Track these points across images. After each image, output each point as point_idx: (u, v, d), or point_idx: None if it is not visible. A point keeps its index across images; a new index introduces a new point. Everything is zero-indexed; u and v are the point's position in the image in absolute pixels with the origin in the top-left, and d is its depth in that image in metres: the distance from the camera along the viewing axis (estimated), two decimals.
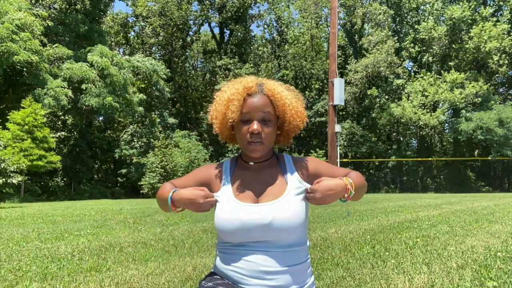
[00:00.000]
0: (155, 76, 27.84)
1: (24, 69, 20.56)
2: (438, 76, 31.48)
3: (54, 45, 23.39)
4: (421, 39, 33.17)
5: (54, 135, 22.04)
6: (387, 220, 6.66)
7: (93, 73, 22.74)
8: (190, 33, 36.52)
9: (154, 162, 21.51)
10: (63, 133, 25.94)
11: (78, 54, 24.17)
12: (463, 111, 28.98)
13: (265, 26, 39.09)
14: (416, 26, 34.04)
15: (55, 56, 23.30)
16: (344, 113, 34.67)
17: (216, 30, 37.47)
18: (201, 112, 34.53)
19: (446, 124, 34.07)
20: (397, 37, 33.53)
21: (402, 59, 33.91)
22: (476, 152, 32.70)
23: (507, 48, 29.43)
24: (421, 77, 31.96)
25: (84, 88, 22.46)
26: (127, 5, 35.23)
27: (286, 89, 1.35)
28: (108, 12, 32.77)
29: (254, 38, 37.74)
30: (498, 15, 32.94)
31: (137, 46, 35.95)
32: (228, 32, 36.54)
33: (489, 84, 30.38)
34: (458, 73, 30.16)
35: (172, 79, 33.13)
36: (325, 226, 5.86)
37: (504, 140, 27.04)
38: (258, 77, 1.37)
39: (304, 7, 35.16)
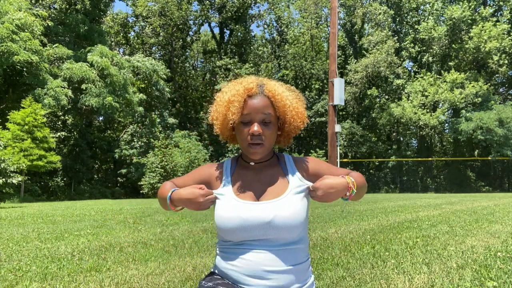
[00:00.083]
0: (155, 76, 27.85)
1: (24, 69, 20.55)
2: (438, 76, 31.48)
3: (54, 45, 23.39)
4: (421, 39, 33.16)
5: (54, 135, 22.03)
6: (387, 220, 6.67)
7: (93, 73, 22.74)
8: (190, 33, 36.53)
9: (154, 162, 21.51)
10: (63, 133, 25.94)
11: (78, 54, 24.17)
12: (463, 111, 28.98)
13: (265, 26, 39.11)
14: (416, 26, 34.04)
15: (55, 56, 23.30)
16: (344, 113, 34.67)
17: (216, 30, 37.49)
18: (201, 112, 34.53)
19: (446, 124, 34.08)
20: (397, 37, 33.53)
21: (402, 59, 33.91)
22: (476, 152, 32.70)
23: (507, 48, 29.43)
24: (421, 77, 31.96)
25: (84, 88, 22.46)
26: (127, 5, 35.25)
27: (287, 89, 1.35)
28: (108, 12, 32.77)
29: (254, 38, 37.74)
30: (498, 15, 32.95)
31: (137, 46, 35.95)
32: (228, 32, 36.54)
33: (489, 84, 30.38)
34: (458, 73, 30.16)
35: (172, 79, 33.13)
36: (325, 226, 5.86)
37: (504, 140, 27.05)
38: (258, 77, 1.37)
39: (304, 7, 35.16)
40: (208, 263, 3.35)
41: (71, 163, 25.64)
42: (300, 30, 37.31)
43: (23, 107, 19.15)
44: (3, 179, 12.55)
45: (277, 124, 1.33)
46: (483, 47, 29.26)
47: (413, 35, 33.96)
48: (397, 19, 34.90)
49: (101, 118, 31.04)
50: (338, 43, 26.10)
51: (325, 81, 33.72)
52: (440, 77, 31.08)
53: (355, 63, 33.07)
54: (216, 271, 1.33)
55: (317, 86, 35.22)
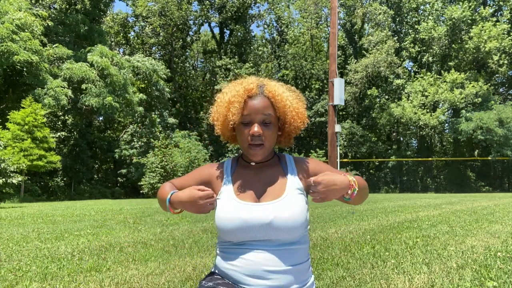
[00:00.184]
0: (155, 76, 27.85)
1: (24, 69, 20.56)
2: (438, 76, 31.49)
3: (54, 45, 23.39)
4: (421, 39, 33.17)
5: (54, 135, 22.04)
6: (387, 220, 6.67)
7: (93, 73, 22.74)
8: (190, 33, 36.53)
9: (154, 162, 21.51)
10: (63, 133, 25.95)
11: (78, 54, 24.17)
12: (463, 111, 28.99)
13: (265, 26, 39.14)
14: (416, 26, 34.04)
15: (55, 56, 23.31)
16: (344, 113, 34.68)
17: (216, 30, 37.49)
18: (201, 112, 34.53)
19: (446, 124, 34.09)
20: (397, 37, 33.54)
21: (402, 59, 33.92)
22: (476, 152, 32.71)
23: (507, 48, 29.44)
24: (421, 77, 31.97)
25: (84, 88, 22.47)
26: (127, 5, 35.25)
27: (287, 90, 1.35)
28: (108, 12, 32.76)
29: (254, 38, 37.73)
30: (498, 15, 32.96)
31: (137, 46, 35.95)
32: (228, 32, 36.54)
33: (489, 84, 30.39)
34: (458, 73, 30.16)
35: (172, 79, 33.13)
36: (325, 226, 5.86)
37: (504, 140, 27.05)
38: (259, 78, 1.37)
39: (304, 7, 35.16)
40: (208, 263, 3.35)
41: (71, 163, 25.64)
42: (300, 30, 37.31)
43: (23, 107, 19.16)
44: (3, 179, 12.56)
45: (278, 124, 1.33)
46: (483, 47, 29.26)
47: (413, 35, 33.96)
48: (397, 19, 34.91)
49: (101, 118, 31.05)
50: (338, 43, 26.09)
51: (325, 81, 33.72)
52: (440, 77, 31.09)
53: (355, 63, 33.08)
54: (216, 271, 1.33)
55: (317, 86, 35.23)
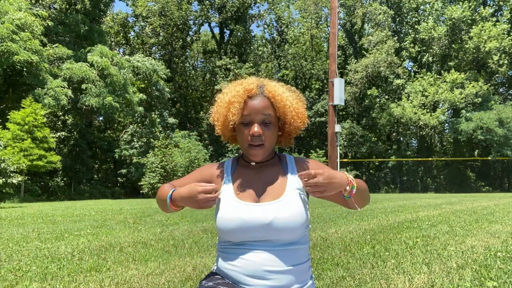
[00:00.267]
0: (155, 76, 27.85)
1: (24, 69, 20.56)
2: (438, 76, 31.49)
3: (54, 45, 23.39)
4: (421, 39, 33.17)
5: (54, 135, 22.04)
6: (387, 220, 6.67)
7: (93, 73, 22.74)
8: (190, 33, 36.53)
9: (154, 162, 21.50)
10: (63, 133, 25.95)
11: (78, 54, 24.17)
12: (463, 111, 28.99)
13: (265, 26, 39.13)
14: (416, 26, 34.05)
15: (55, 56, 23.31)
16: (344, 113, 34.68)
17: (216, 30, 37.49)
18: (201, 112, 34.53)
19: (446, 124, 34.09)
20: (397, 37, 33.54)
21: (402, 59, 33.92)
22: (476, 152, 32.71)
23: (507, 48, 29.44)
24: (421, 77, 31.97)
25: (84, 88, 22.47)
26: (127, 5, 35.25)
27: (288, 90, 1.35)
28: (108, 12, 32.77)
29: (254, 38, 37.73)
30: (498, 15, 32.96)
31: (137, 46, 35.96)
32: (228, 32, 36.54)
33: (489, 84, 30.39)
34: (458, 73, 30.17)
35: (172, 79, 33.13)
36: (325, 226, 5.86)
37: (504, 140, 27.05)
38: (259, 78, 1.37)
39: (304, 7, 35.16)
40: (208, 263, 3.35)
41: (71, 163, 25.65)
42: (300, 30, 37.32)
43: (23, 107, 19.16)
44: (3, 179, 12.56)
45: (278, 124, 1.34)
46: (483, 47, 29.27)
47: (413, 35, 33.96)
48: (397, 19, 34.91)
49: (101, 118, 31.06)
50: (338, 43, 26.10)
51: (325, 81, 33.73)
52: (440, 77, 31.09)
53: (355, 63, 33.08)
54: (217, 271, 1.33)
55: (317, 86, 35.23)
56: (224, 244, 1.31)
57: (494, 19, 31.47)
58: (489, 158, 28.82)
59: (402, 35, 34.81)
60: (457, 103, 29.09)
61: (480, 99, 28.90)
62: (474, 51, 30.11)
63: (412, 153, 34.59)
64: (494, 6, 33.08)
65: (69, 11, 27.37)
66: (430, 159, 33.14)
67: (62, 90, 21.43)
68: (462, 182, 31.27)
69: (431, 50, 32.89)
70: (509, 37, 29.49)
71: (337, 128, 15.44)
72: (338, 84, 15.28)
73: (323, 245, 4.13)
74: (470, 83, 29.31)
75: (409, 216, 7.39)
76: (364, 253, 3.68)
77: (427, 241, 4.33)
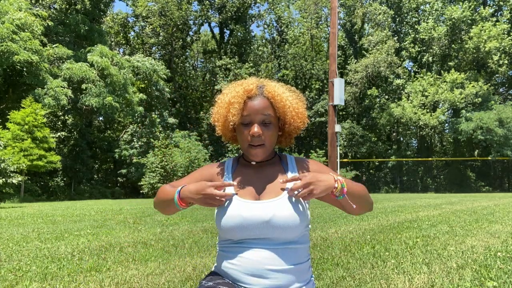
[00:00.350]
0: (155, 76, 27.86)
1: (24, 69, 20.57)
2: (438, 76, 31.50)
3: (54, 45, 23.39)
4: (421, 39, 33.18)
5: (54, 135, 22.05)
6: (387, 220, 6.67)
7: (93, 73, 22.75)
8: (190, 33, 36.53)
9: (154, 162, 21.50)
10: (63, 133, 25.96)
11: (78, 54, 24.17)
12: (463, 111, 28.99)
13: (265, 26, 39.10)
14: (416, 26, 34.05)
15: (55, 56, 23.31)
16: (344, 113, 34.68)
17: (216, 30, 37.50)
18: (201, 112, 34.53)
19: (446, 124, 34.09)
20: (397, 37, 33.55)
21: (402, 59, 33.93)
22: (476, 152, 32.71)
23: (507, 48, 29.44)
24: (421, 77, 31.98)
25: (84, 88, 22.47)
26: (127, 5, 35.25)
27: (288, 90, 1.36)
28: (108, 12, 32.77)
29: (254, 38, 37.73)
30: (498, 15, 32.96)
31: (137, 46, 35.96)
32: (228, 32, 36.54)
33: (489, 84, 30.40)
34: (458, 73, 30.17)
35: (172, 79, 33.13)
36: (325, 226, 5.86)
37: (504, 140, 27.06)
38: (259, 78, 1.38)
39: (304, 7, 35.16)
40: (208, 263, 3.35)
41: (71, 163, 25.65)
42: (300, 30, 37.32)
43: (23, 107, 19.17)
44: (3, 179, 12.56)
45: (278, 124, 1.34)
46: (483, 47, 29.27)
47: (413, 35, 33.97)
48: (397, 19, 34.91)
49: (101, 118, 31.06)
50: (338, 43, 26.10)
51: (325, 81, 33.73)
52: (440, 77, 31.10)
53: (355, 63, 33.08)
54: (217, 270, 1.33)
55: (317, 86, 35.23)
56: (224, 242, 1.31)
57: (494, 19, 31.47)
58: (489, 158, 28.82)
59: (402, 35, 34.82)
60: (457, 103, 29.09)
61: (480, 99, 28.90)
62: (474, 51, 30.11)
63: (412, 153, 34.59)
64: (494, 6, 33.08)
65: (69, 11, 27.37)
66: (430, 159, 33.14)
67: (62, 90, 21.44)
68: (462, 182, 31.28)
69: (431, 50, 32.89)
70: (509, 37, 29.49)
71: (337, 128, 15.44)
72: (338, 84, 15.28)
73: (323, 245, 4.13)
74: (470, 83, 29.32)
75: (409, 216, 7.39)
76: (364, 253, 3.68)
77: (427, 241, 4.33)
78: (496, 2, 33.01)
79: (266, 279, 1.21)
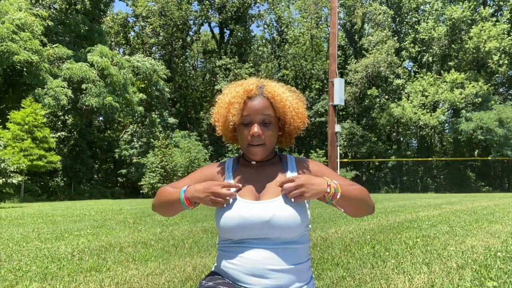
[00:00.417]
0: (155, 76, 27.86)
1: (24, 69, 20.57)
2: (438, 76, 31.50)
3: (54, 45, 23.39)
4: (421, 39, 33.18)
5: (54, 135, 22.05)
6: (387, 220, 6.67)
7: (93, 73, 22.75)
8: (190, 33, 36.53)
9: (154, 162, 21.50)
10: (63, 133, 25.96)
11: (78, 54, 24.18)
12: (463, 111, 29.00)
13: (265, 26, 39.11)
14: (416, 26, 34.05)
15: (55, 56, 23.31)
16: (344, 113, 34.68)
17: (216, 30, 37.50)
18: (201, 112, 34.53)
19: (446, 124, 34.10)
20: (397, 37, 33.55)
21: (402, 59, 33.93)
22: (476, 152, 32.72)
23: (507, 48, 29.45)
24: (421, 77, 31.98)
25: (84, 88, 22.47)
26: (127, 5, 35.25)
27: (288, 90, 1.36)
28: (108, 12, 32.78)
29: (254, 38, 37.73)
30: (498, 15, 32.96)
31: (137, 46, 35.96)
32: (228, 32, 36.55)
33: (489, 84, 30.40)
34: (458, 73, 30.17)
35: (172, 79, 33.13)
36: (325, 226, 5.86)
37: (504, 140, 27.06)
38: (259, 78, 1.38)
39: (304, 7, 35.16)
40: (208, 263, 3.35)
41: (71, 163, 25.65)
42: (300, 30, 37.32)
43: (23, 107, 19.17)
44: (3, 179, 12.56)
45: (278, 124, 1.34)
46: (483, 47, 29.27)
47: (413, 35, 33.97)
48: (397, 19, 34.92)
49: (101, 118, 31.06)
50: (338, 43, 26.10)
51: (325, 81, 33.73)
52: (440, 77, 31.10)
53: (355, 63, 33.08)
54: (217, 270, 1.33)
55: (317, 86, 35.22)
56: (224, 242, 1.31)
57: (494, 19, 31.47)
58: (489, 158, 28.82)
59: (402, 35, 34.82)
60: (457, 103, 29.09)
61: (480, 99, 28.91)
62: (474, 51, 30.11)
63: (412, 153, 34.59)
64: (494, 6, 33.08)
65: (69, 11, 27.37)
66: (430, 159, 33.14)
67: (62, 90, 21.44)
68: (462, 182, 31.28)
69: (431, 50, 32.89)
70: (509, 37, 29.49)
71: (337, 128, 15.43)
72: (338, 84, 15.27)
73: (323, 245, 4.13)
74: (470, 83, 29.32)
75: (409, 216, 7.39)
76: (364, 253, 3.68)
77: (427, 241, 4.33)
78: (496, 2, 33.01)
79: (266, 279, 1.21)
